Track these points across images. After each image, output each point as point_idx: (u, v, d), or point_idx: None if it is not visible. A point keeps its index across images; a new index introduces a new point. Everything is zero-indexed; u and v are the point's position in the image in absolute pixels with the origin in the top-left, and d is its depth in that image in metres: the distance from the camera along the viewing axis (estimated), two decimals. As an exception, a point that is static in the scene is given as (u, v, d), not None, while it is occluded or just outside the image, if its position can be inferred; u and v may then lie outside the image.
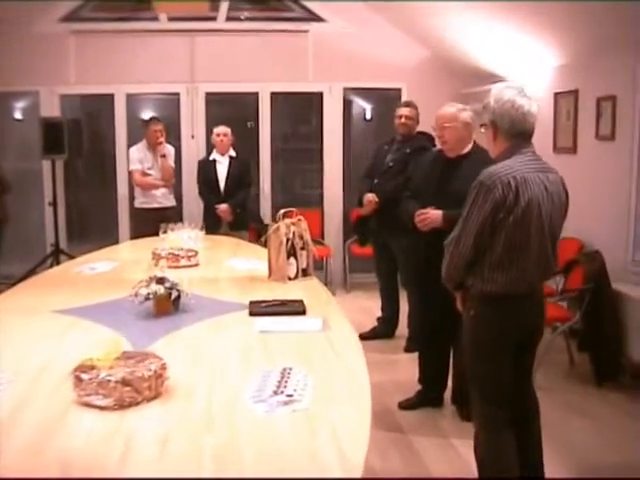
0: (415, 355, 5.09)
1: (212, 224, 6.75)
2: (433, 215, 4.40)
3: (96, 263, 4.86)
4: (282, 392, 2.35)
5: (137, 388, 2.24)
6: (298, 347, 2.92)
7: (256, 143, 8.78)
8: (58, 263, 7.94)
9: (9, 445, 2.00)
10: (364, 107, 9.30)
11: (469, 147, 4.48)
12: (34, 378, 2.54)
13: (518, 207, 3.02)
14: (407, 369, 5.29)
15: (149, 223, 6.51)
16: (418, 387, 4.92)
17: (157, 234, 5.39)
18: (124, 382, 2.23)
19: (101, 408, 2.21)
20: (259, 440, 2.03)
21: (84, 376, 2.25)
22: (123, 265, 4.85)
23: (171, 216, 6.62)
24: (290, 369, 2.57)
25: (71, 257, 7.84)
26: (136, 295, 3.41)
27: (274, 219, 4.52)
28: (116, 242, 8.18)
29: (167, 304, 3.43)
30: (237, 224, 7.06)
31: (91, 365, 2.31)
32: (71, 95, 8.69)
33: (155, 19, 8.58)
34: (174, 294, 3.45)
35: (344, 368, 2.67)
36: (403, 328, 6.19)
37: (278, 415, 2.19)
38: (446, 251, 3.27)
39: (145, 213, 7.24)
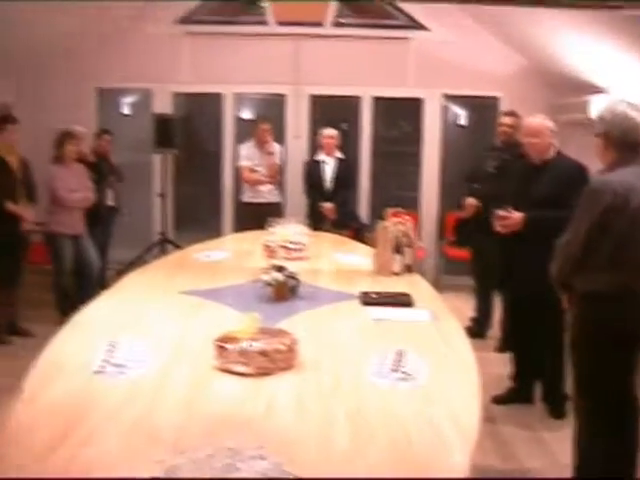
0: (505, 355, 5.28)
1: (316, 221, 7.05)
2: (515, 218, 4.56)
3: (211, 252, 5.19)
4: (399, 370, 2.61)
5: (273, 359, 2.53)
6: (409, 334, 3.17)
7: (355, 145, 9.04)
8: (164, 251, 8.36)
9: (162, 402, 2.31)
10: (459, 113, 9.47)
11: (552, 154, 4.65)
12: (175, 348, 2.87)
13: (627, 211, 3.20)
14: (497, 367, 5.46)
15: (254, 217, 6.84)
16: (509, 384, 5.10)
17: (261, 228, 5.69)
18: (262, 353, 2.52)
19: (241, 374, 2.50)
20: (384, 407, 2.30)
21: (228, 346, 2.54)
22: (235, 255, 5.17)
23: (275, 211, 6.94)
24: (404, 352, 2.81)
25: (177, 246, 8.26)
26: (257, 281, 3.72)
27: (379, 217, 4.78)
28: (219, 233, 8.57)
29: (285, 291, 3.72)
30: (339, 223, 7.32)
31: (232, 336, 2.61)
32: (182, 93, 9.12)
33: (264, 23, 8.95)
34: (292, 282, 3.74)
35: (454, 353, 2.92)
36: (496, 329, 6.36)
37: (398, 388, 2.45)
38: (556, 253, 3.46)
39: (251, 207, 7.58)
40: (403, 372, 2.59)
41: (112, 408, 2.26)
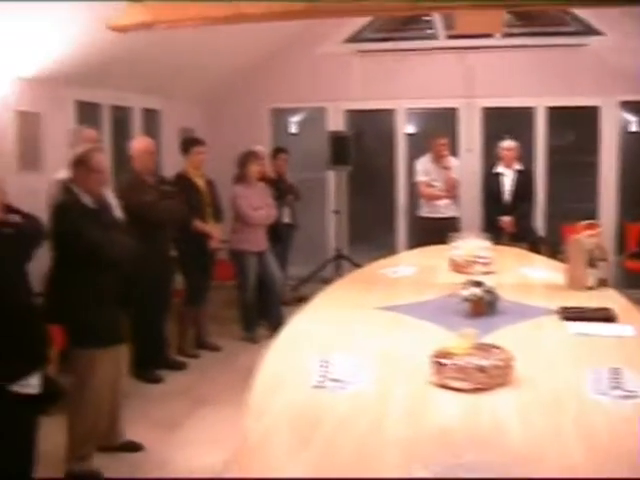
0: None
1: (493, 235, 6.96)
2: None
3: (396, 267, 5.24)
4: (620, 387, 2.56)
5: (491, 375, 2.54)
6: (618, 350, 3.09)
7: (528, 156, 8.89)
8: (340, 267, 8.51)
9: (388, 417, 2.37)
10: (630, 120, 9.14)
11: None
12: (387, 363, 2.92)
13: None
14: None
15: (431, 232, 6.87)
16: None
17: (438, 243, 5.68)
18: (480, 369, 2.53)
19: (458, 390, 2.53)
20: (612, 424, 2.27)
21: (445, 361, 2.57)
22: (421, 270, 5.19)
23: (452, 226, 6.93)
24: (620, 368, 2.74)
25: (352, 262, 8.38)
26: (454, 296, 3.73)
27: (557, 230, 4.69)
28: (393, 249, 8.64)
29: (483, 306, 3.71)
30: (518, 236, 7.22)
31: (447, 352, 2.64)
32: (354, 110, 9.28)
33: (433, 37, 8.99)
34: (489, 297, 3.73)
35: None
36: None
37: (623, 406, 2.41)
38: None
39: (428, 222, 7.59)
40: (625, 389, 2.54)
41: (340, 422, 2.33)
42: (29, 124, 6.09)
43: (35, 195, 5.20)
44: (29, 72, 5.96)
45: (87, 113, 7.08)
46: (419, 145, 8.52)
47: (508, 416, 2.35)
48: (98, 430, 4.33)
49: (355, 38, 9.23)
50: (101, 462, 4.40)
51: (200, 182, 6.61)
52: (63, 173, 5.17)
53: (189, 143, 6.69)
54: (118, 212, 4.90)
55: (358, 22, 9.04)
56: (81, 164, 4.25)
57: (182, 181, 6.47)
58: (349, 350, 3.09)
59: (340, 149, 8.47)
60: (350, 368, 2.82)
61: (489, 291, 3.73)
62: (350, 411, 2.42)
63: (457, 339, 2.72)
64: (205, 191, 6.62)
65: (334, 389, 2.62)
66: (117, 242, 4.32)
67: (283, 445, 2.18)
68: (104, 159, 4.40)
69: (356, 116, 9.49)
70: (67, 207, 4.22)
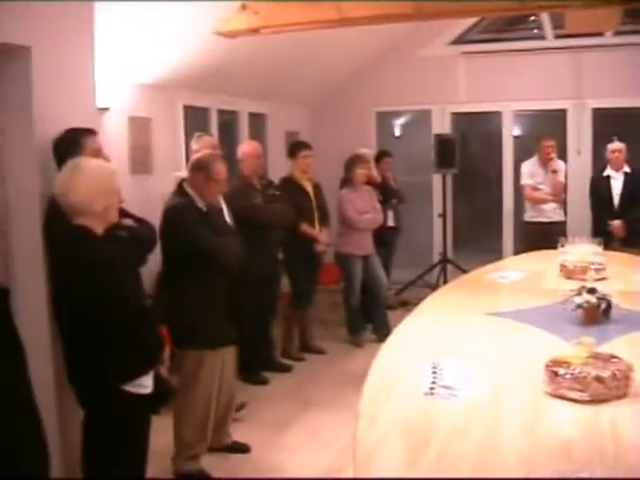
0: None
1: (603, 240, 6.76)
2: None
3: (504, 272, 5.16)
4: None
5: (609, 386, 2.46)
6: None
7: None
8: (445, 271, 8.43)
9: (503, 426, 2.33)
10: None
11: None
12: (500, 371, 2.88)
13: None
14: None
15: (537, 237, 6.75)
16: None
17: (545, 247, 5.55)
18: (598, 379, 2.46)
19: (574, 401, 2.46)
20: None
21: (560, 371, 2.51)
22: (530, 275, 5.09)
23: (559, 231, 6.75)
24: None
25: (457, 266, 8.30)
26: (566, 302, 3.64)
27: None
28: (499, 253, 8.51)
29: (597, 313, 3.60)
30: (629, 241, 7.00)
31: (563, 361, 2.57)
32: (459, 113, 9.19)
33: (541, 37, 8.81)
34: (604, 304, 3.62)
35: None
36: None
37: None
38: None
39: (534, 227, 7.45)
40: None
41: (453, 430, 2.30)
42: (141, 129, 6.26)
43: (146, 198, 5.35)
44: (144, 79, 6.12)
45: (195, 117, 7.23)
46: (526, 148, 8.37)
47: (628, 429, 2.28)
48: (206, 431, 4.40)
49: (460, 40, 9.14)
50: (209, 462, 4.48)
51: (307, 186, 6.66)
52: (181, 172, 5.31)
53: (296, 147, 6.75)
54: (229, 217, 4.99)
55: (463, 23, 8.94)
56: (201, 169, 4.34)
57: (289, 185, 6.54)
58: (459, 356, 3.06)
59: (445, 152, 8.40)
60: (461, 375, 2.79)
61: (603, 298, 3.62)
62: (463, 419, 2.39)
63: (574, 348, 2.65)
64: (312, 195, 6.66)
65: (445, 396, 2.59)
66: (228, 248, 4.39)
67: (396, 452, 2.16)
68: (224, 169, 4.46)
69: (461, 118, 9.39)
70: (181, 209, 4.31)
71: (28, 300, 3.92)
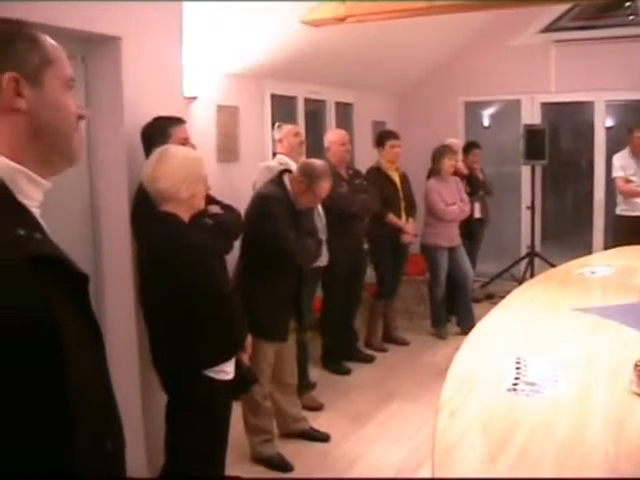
0: None
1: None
2: None
3: (594, 267, 5.02)
4: None
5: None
6: None
7: None
8: (532, 265, 8.28)
9: (588, 426, 2.26)
10: None
11: None
12: (585, 368, 2.79)
13: None
14: None
15: (629, 231, 6.55)
16: None
17: (637, 242, 5.40)
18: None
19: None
20: None
21: (650, 370, 2.43)
22: (621, 271, 4.93)
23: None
24: None
25: (545, 260, 8.14)
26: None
27: None
28: (589, 247, 8.31)
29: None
30: None
31: (653, 361, 2.49)
32: (549, 103, 8.98)
33: (637, 24, 8.53)
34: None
35: None
36: None
37: None
38: None
39: (625, 220, 7.23)
40: None
41: (537, 427, 2.25)
42: (229, 117, 6.32)
43: (232, 186, 5.40)
44: (232, 68, 6.17)
45: (282, 106, 7.26)
46: (618, 139, 8.12)
47: None
48: (268, 417, 4.50)
49: (551, 27, 8.90)
50: (288, 448, 4.52)
51: (394, 176, 6.63)
52: (276, 161, 5.35)
53: (384, 137, 6.71)
54: (319, 217, 5.03)
55: (555, 11, 8.72)
56: (307, 177, 4.35)
57: (376, 175, 6.52)
58: (545, 352, 2.99)
59: (535, 143, 8.21)
60: (546, 371, 2.72)
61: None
62: (547, 417, 2.33)
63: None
64: (399, 185, 6.63)
65: (530, 393, 2.53)
66: (306, 250, 4.41)
67: (476, 448, 2.13)
68: (327, 189, 4.48)
69: (552, 109, 9.18)
70: (272, 199, 4.32)
71: (115, 286, 4.01)
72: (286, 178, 4.42)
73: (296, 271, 4.43)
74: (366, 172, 6.51)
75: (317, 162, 4.57)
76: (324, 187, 4.40)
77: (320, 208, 5.31)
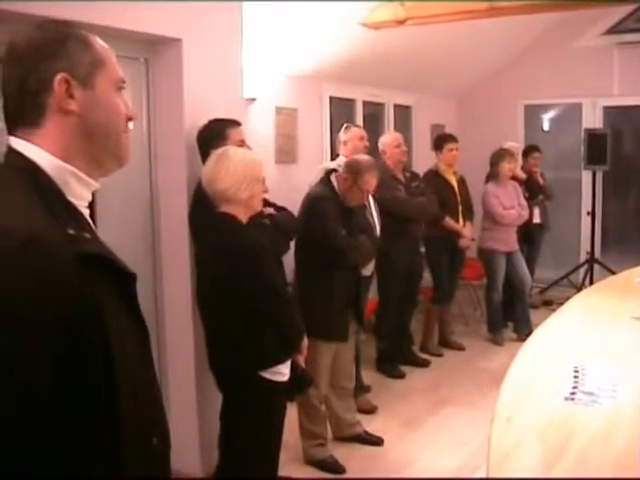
0: None
1: None
2: None
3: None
4: None
5: None
6: None
7: None
8: (591, 272, 8.14)
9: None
10: None
11: None
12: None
13: None
14: None
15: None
16: None
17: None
18: None
19: None
20: None
21: None
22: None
23: None
24: None
25: (605, 267, 8.00)
26: None
27: None
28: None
29: None
30: None
31: None
32: (612, 107, 8.83)
33: None
34: None
35: None
36: None
37: None
38: None
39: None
40: None
41: (594, 437, 2.22)
42: (287, 119, 6.35)
43: (290, 187, 5.42)
44: (291, 70, 6.20)
45: (341, 108, 7.27)
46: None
47: None
48: (322, 419, 4.52)
49: (615, 29, 8.73)
50: (341, 452, 4.52)
51: (452, 179, 6.59)
52: (329, 164, 5.36)
53: (442, 140, 6.67)
54: (373, 214, 5.00)
55: (618, 12, 8.55)
56: (352, 172, 4.36)
57: (434, 178, 6.49)
58: (603, 361, 2.94)
59: (596, 148, 8.06)
60: (605, 381, 2.68)
61: None
62: (605, 427, 2.30)
63: None
64: (457, 188, 6.58)
65: (587, 403, 2.49)
66: (360, 248, 4.41)
67: (532, 456, 2.10)
68: (374, 181, 4.47)
69: (614, 113, 9.00)
70: (322, 200, 4.33)
71: (173, 286, 4.06)
72: (333, 177, 4.43)
73: (352, 271, 4.43)
74: (424, 175, 6.48)
75: (362, 157, 4.60)
76: (369, 181, 4.39)
77: (374, 209, 5.31)
